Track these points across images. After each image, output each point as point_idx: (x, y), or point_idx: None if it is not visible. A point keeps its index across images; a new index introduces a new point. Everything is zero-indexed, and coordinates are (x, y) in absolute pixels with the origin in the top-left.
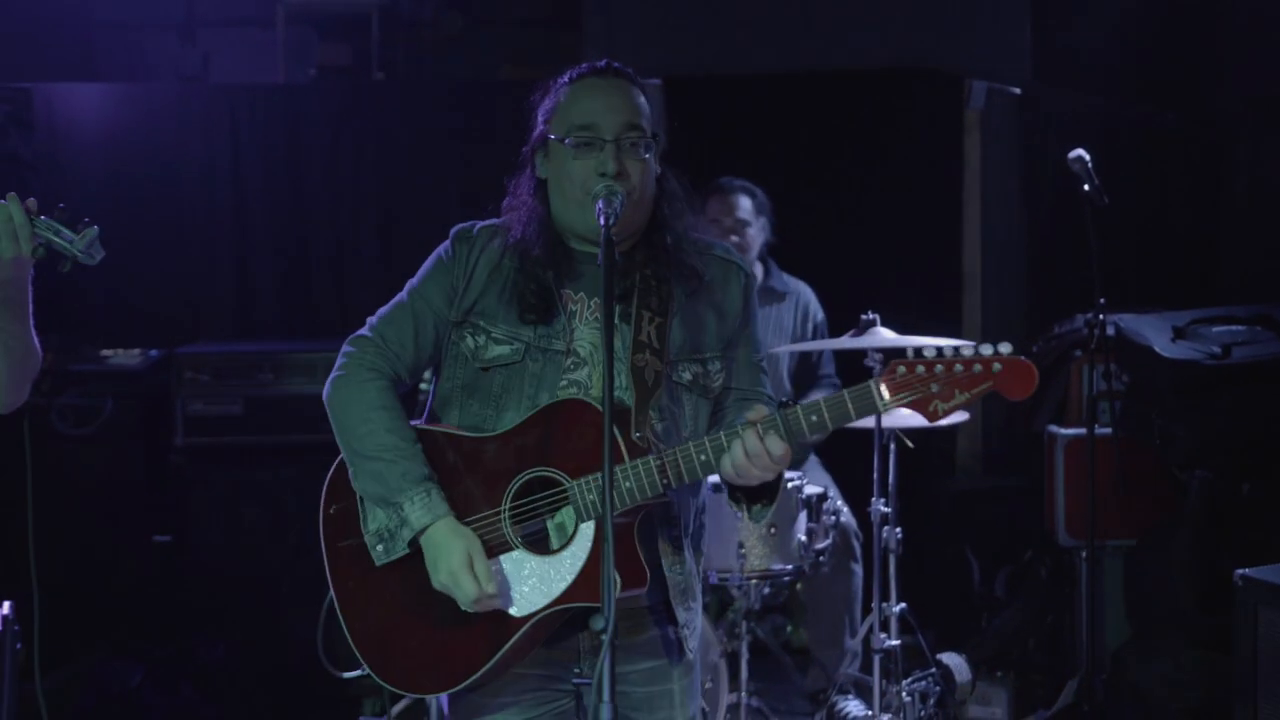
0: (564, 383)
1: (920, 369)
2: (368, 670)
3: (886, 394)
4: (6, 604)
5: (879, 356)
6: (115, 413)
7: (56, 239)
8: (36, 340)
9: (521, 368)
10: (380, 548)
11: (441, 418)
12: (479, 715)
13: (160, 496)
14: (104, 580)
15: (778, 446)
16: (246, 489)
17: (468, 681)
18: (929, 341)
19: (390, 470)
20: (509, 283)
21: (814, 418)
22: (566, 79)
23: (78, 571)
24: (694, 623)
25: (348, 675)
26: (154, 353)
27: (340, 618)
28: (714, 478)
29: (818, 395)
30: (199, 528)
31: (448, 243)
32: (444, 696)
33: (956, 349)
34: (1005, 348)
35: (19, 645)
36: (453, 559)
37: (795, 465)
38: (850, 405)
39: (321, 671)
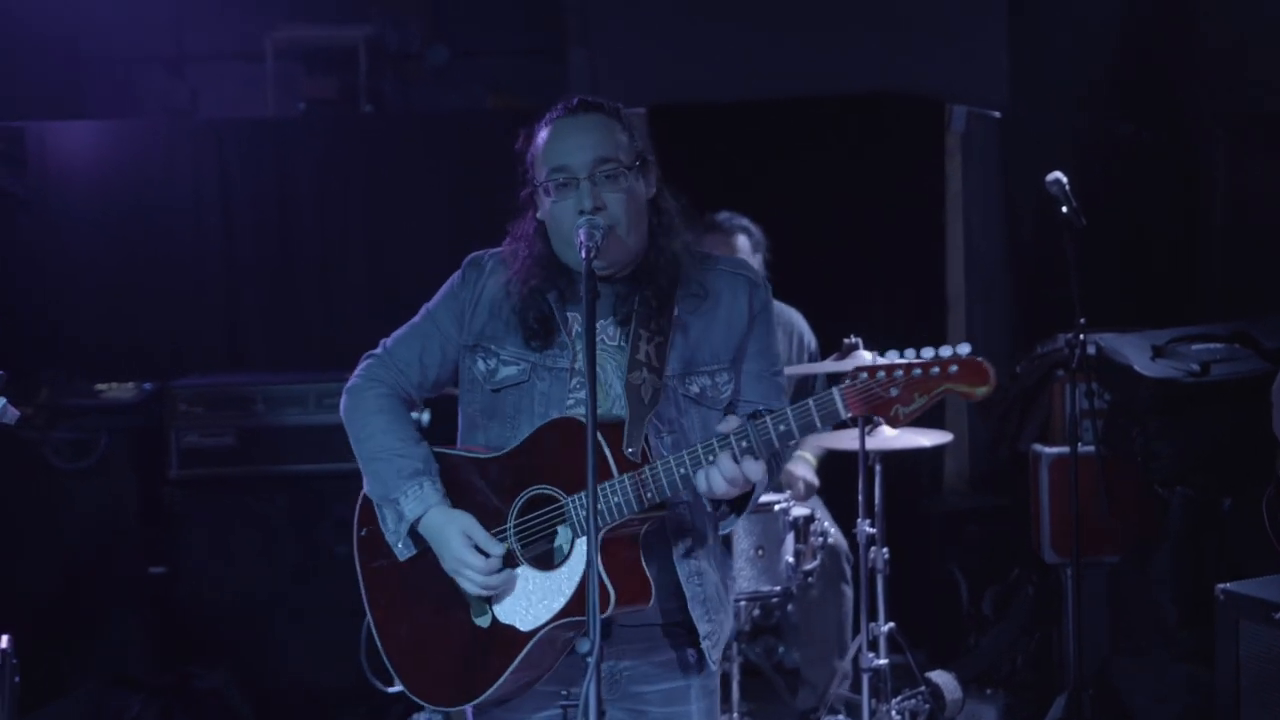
0: (570, 401)
1: (881, 374)
2: (402, 687)
3: (848, 400)
4: (5, 637)
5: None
6: (110, 446)
7: None
8: None
9: (530, 387)
10: (400, 545)
11: (468, 442)
12: None
13: (155, 528)
14: (100, 611)
15: (754, 470)
16: (240, 519)
17: (485, 696)
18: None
19: (386, 469)
20: (514, 309)
21: (782, 427)
22: (545, 121)
23: (74, 603)
24: (718, 634)
25: (391, 690)
26: (147, 386)
27: (376, 638)
28: None
29: None
30: (194, 558)
31: (460, 270)
32: (469, 709)
33: (917, 354)
34: (963, 349)
35: (17, 679)
36: (452, 542)
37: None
38: (815, 413)
39: (314, 697)
